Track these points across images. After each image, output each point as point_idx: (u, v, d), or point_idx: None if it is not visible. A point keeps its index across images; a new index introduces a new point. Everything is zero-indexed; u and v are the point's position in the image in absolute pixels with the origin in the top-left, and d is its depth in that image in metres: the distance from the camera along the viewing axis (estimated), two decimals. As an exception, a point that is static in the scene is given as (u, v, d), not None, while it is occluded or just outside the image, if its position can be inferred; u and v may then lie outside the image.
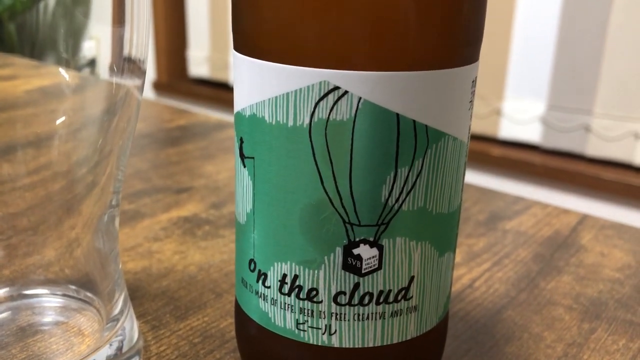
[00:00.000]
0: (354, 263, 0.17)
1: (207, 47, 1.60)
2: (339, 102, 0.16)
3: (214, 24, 1.59)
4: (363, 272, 0.17)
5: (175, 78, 1.64)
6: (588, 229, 0.35)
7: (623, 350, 0.24)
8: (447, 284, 0.20)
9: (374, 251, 0.17)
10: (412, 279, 0.18)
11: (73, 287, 0.23)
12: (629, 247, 0.33)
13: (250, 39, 0.17)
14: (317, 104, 0.16)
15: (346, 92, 0.16)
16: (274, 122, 0.17)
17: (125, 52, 0.23)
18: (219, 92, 1.57)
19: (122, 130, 0.22)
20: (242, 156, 0.18)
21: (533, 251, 0.32)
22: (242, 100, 0.18)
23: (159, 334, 0.24)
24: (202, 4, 1.60)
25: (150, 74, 1.64)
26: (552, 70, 1.15)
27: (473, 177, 1.26)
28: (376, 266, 0.17)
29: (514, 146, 1.23)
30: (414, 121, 0.16)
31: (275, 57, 0.16)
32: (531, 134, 1.20)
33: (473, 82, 0.18)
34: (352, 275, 0.17)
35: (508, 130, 1.22)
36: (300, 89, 0.16)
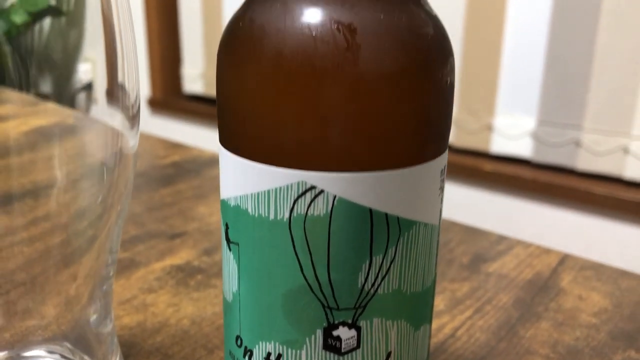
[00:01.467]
0: (333, 343, 0.18)
1: (201, 64, 1.61)
2: (316, 200, 0.17)
3: (207, 41, 1.60)
4: (343, 351, 0.19)
5: (169, 95, 1.65)
6: (568, 270, 0.36)
7: (596, 402, 0.25)
8: (424, 353, 0.21)
9: (353, 332, 0.18)
10: (389, 354, 0.19)
11: (69, 345, 0.24)
12: (607, 289, 0.34)
13: (235, 139, 0.18)
14: (295, 200, 0.17)
15: (322, 190, 0.17)
16: (256, 215, 0.18)
17: (120, 79, 0.23)
18: (213, 108, 1.58)
19: (124, 179, 0.23)
20: (227, 240, 0.20)
21: (514, 295, 0.33)
22: (227, 190, 0.19)
23: (153, 395, 0.25)
24: (196, 21, 1.62)
25: (145, 91, 1.66)
26: (542, 86, 1.17)
27: (465, 192, 1.27)
28: (355, 345, 0.19)
29: (506, 161, 1.24)
30: (386, 214, 0.18)
31: (257, 158, 0.17)
32: (522, 148, 1.22)
33: (442, 170, 0.19)
34: (332, 354, 0.19)
35: (499, 145, 1.24)
36: (281, 187, 0.17)
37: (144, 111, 1.63)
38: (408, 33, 0.17)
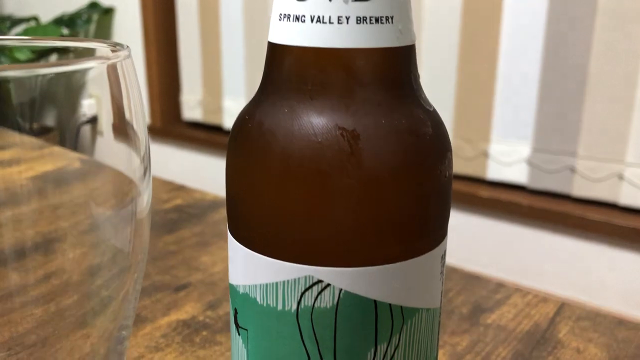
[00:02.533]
0: None
1: (200, 92, 1.62)
2: (323, 293, 0.18)
3: (206, 68, 1.62)
4: None
5: (169, 122, 1.66)
6: (565, 320, 0.37)
7: None
8: None
9: (358, 416, 0.19)
10: None
11: None
12: (603, 340, 0.35)
13: (244, 232, 0.19)
14: (303, 293, 0.18)
15: (328, 284, 0.18)
16: (264, 305, 0.19)
17: (127, 117, 0.22)
18: (212, 135, 1.60)
19: (139, 241, 0.23)
20: (236, 325, 0.20)
21: (513, 349, 0.34)
22: (236, 277, 0.20)
23: None
24: (195, 49, 1.63)
25: (145, 119, 1.66)
26: (536, 113, 1.18)
27: (463, 219, 1.28)
28: None
29: (502, 187, 1.26)
30: (390, 304, 0.18)
31: (266, 252, 0.18)
32: (518, 175, 1.23)
33: (443, 256, 0.20)
34: None
35: (495, 171, 1.25)
36: (288, 280, 0.18)
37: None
38: (408, 135, 0.18)
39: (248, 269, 0.19)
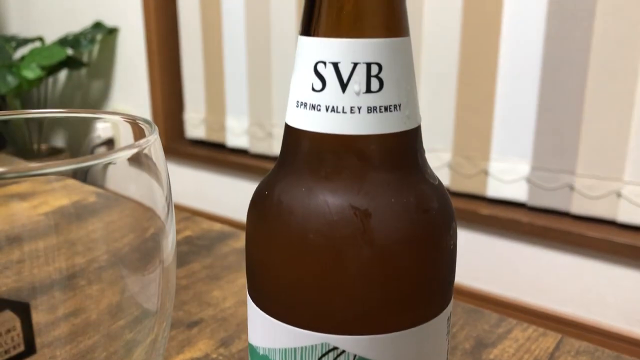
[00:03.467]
0: None
1: (203, 110, 1.64)
2: (338, 359, 0.19)
3: (209, 87, 1.64)
4: None
5: (173, 140, 1.68)
6: (564, 356, 0.38)
7: None
8: None
9: None
10: None
11: None
12: (601, 376, 0.36)
13: (264, 300, 0.20)
14: (319, 359, 0.20)
15: (344, 351, 0.19)
16: (284, 367, 0.20)
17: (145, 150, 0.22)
18: (214, 152, 1.61)
19: (166, 281, 0.23)
20: (257, 382, 0.22)
21: (514, 386, 0.35)
22: (256, 339, 0.21)
23: None
24: (198, 68, 1.65)
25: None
26: (535, 132, 1.20)
27: (464, 236, 1.30)
28: None
29: (502, 204, 1.27)
30: (400, 367, 0.20)
31: (286, 319, 0.20)
32: (518, 192, 1.24)
33: (448, 318, 0.21)
34: None
35: (495, 189, 1.27)
36: (306, 347, 0.20)
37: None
38: (415, 212, 0.19)
39: (267, 333, 0.21)
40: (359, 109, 0.19)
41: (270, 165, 1.31)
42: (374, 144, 0.19)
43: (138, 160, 0.21)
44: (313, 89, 0.19)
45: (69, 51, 1.72)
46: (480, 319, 0.42)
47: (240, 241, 0.55)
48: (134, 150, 0.20)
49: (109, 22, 1.81)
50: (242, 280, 0.48)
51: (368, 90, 0.19)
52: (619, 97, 1.10)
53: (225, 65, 1.60)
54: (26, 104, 1.94)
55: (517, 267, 1.25)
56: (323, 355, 0.19)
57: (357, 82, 0.18)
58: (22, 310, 0.18)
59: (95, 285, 0.22)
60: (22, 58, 1.63)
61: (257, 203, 0.21)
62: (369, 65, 0.18)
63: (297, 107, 0.20)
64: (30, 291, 0.22)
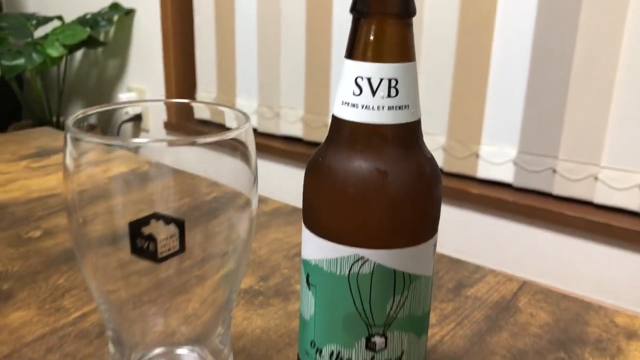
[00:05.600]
0: (371, 345, 0.32)
1: (214, 90, 1.74)
2: (364, 264, 0.31)
3: (221, 69, 1.73)
4: (377, 350, 0.32)
5: (184, 119, 1.78)
6: (524, 294, 0.50)
7: (532, 385, 0.39)
8: (423, 353, 0.34)
9: (382, 339, 0.32)
10: (402, 352, 0.33)
11: (204, 348, 0.36)
12: (551, 309, 0.48)
13: (316, 227, 0.32)
14: (352, 264, 0.31)
15: (368, 259, 0.30)
16: (328, 271, 0.31)
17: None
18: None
19: (252, 226, 0.35)
20: (308, 283, 0.33)
21: (484, 313, 0.47)
22: (308, 253, 0.32)
23: (246, 379, 0.38)
24: (210, 50, 1.75)
25: (163, 115, 1.78)
26: (522, 120, 1.31)
27: (455, 212, 1.41)
28: (384, 347, 0.32)
29: (490, 185, 1.39)
30: (403, 272, 0.31)
31: (331, 239, 0.31)
32: (505, 174, 1.36)
33: (434, 244, 0.33)
34: (370, 351, 0.32)
35: (485, 170, 1.38)
36: (344, 256, 0.31)
37: (162, 134, 1.76)
38: (416, 173, 0.30)
39: (317, 249, 0.32)
40: (383, 107, 0.30)
41: (277, 144, 1.42)
42: (391, 130, 0.30)
43: (232, 144, 0.31)
44: (353, 94, 0.30)
45: (87, 30, 1.81)
46: (461, 267, 0.54)
47: (267, 205, 0.66)
48: (235, 133, 0.31)
49: (126, 4, 1.89)
50: (272, 235, 0.59)
51: (389, 95, 0.29)
52: (599, 91, 1.21)
53: (236, 47, 1.70)
54: (46, 81, 2.04)
55: (502, 242, 1.37)
56: (354, 262, 0.31)
57: (382, 91, 0.29)
58: (180, 224, 0.29)
59: (206, 222, 0.33)
60: (46, 36, 1.73)
61: (314, 166, 0.32)
62: (389, 80, 0.29)
63: (342, 105, 0.31)
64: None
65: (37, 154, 0.83)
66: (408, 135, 0.31)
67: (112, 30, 1.95)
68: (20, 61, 1.59)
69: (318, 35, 1.56)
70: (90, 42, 1.84)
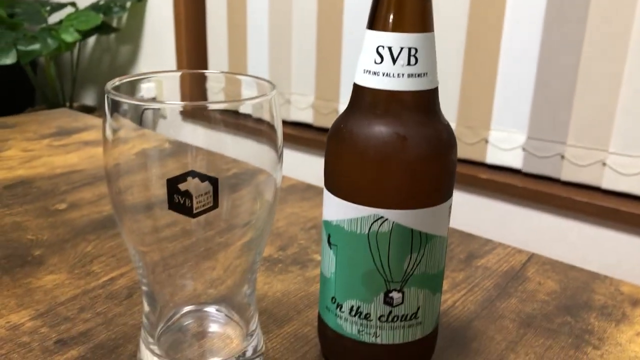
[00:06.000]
0: (389, 300, 0.34)
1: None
2: (383, 223, 0.33)
3: (232, 55, 1.75)
4: (394, 305, 0.34)
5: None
6: (533, 265, 0.52)
7: (544, 347, 0.41)
8: (437, 309, 0.36)
9: (400, 294, 0.34)
10: (418, 308, 0.35)
11: (230, 308, 0.38)
12: (558, 277, 0.50)
13: (338, 189, 0.34)
14: (372, 224, 0.33)
15: (387, 219, 0.32)
16: (349, 230, 0.33)
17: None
18: (233, 118, 1.74)
19: (276, 198, 0.37)
20: (329, 243, 0.35)
21: (494, 282, 0.49)
22: (330, 214, 0.34)
23: (269, 336, 0.40)
24: (221, 37, 1.77)
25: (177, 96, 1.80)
26: (531, 106, 1.32)
27: (464, 197, 1.43)
28: (401, 302, 0.34)
29: (499, 170, 1.40)
30: (420, 231, 0.33)
31: (353, 200, 0.33)
32: (514, 160, 1.37)
33: (450, 207, 0.34)
34: (388, 306, 0.34)
35: (494, 156, 1.39)
36: (364, 216, 0.33)
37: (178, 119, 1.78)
38: (434, 139, 0.32)
39: (339, 210, 0.34)
40: (403, 75, 0.31)
41: (288, 130, 1.45)
42: (410, 97, 0.32)
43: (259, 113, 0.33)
44: (375, 62, 0.32)
45: (100, 16, 1.83)
46: (472, 240, 0.56)
47: (284, 182, 0.68)
48: (259, 100, 0.33)
49: (138, -10, 1.91)
50: (290, 209, 0.61)
51: (408, 64, 0.31)
52: (607, 78, 1.22)
53: (248, 35, 1.72)
54: (59, 67, 2.06)
55: (511, 226, 1.39)
56: (374, 222, 0.33)
57: (403, 59, 0.31)
58: (214, 181, 0.31)
59: (233, 190, 0.35)
60: (60, 22, 1.75)
61: (336, 131, 0.34)
62: (409, 49, 0.31)
63: (364, 73, 0.32)
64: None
65: (57, 133, 0.85)
66: (426, 102, 0.33)
67: (124, 16, 1.97)
68: (36, 46, 1.62)
69: (329, 23, 1.58)
70: (103, 28, 1.87)
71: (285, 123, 1.71)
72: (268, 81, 0.35)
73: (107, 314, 0.42)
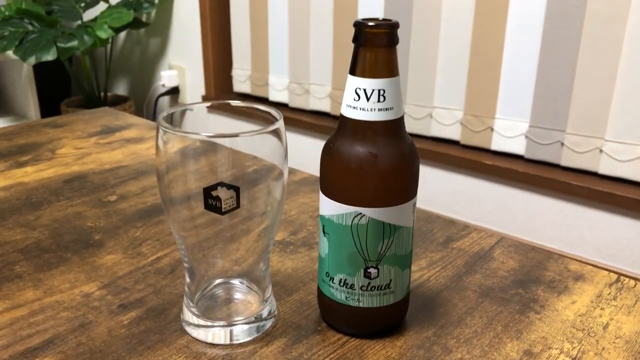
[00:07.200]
0: (368, 275, 0.45)
1: (248, 68, 1.87)
2: (362, 218, 0.44)
3: (254, 48, 1.86)
4: (372, 278, 0.46)
5: (221, 93, 1.92)
6: (500, 247, 0.62)
7: (495, 312, 0.52)
8: (406, 281, 0.48)
9: (376, 270, 0.45)
10: (390, 280, 0.46)
11: (249, 280, 0.50)
12: (519, 257, 0.60)
13: (330, 192, 0.45)
14: (353, 218, 0.44)
15: (364, 214, 0.44)
16: (337, 223, 0.45)
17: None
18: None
19: (277, 199, 0.49)
20: (324, 232, 0.47)
21: (464, 260, 0.60)
22: (324, 210, 0.46)
23: (280, 302, 0.52)
24: (245, 31, 1.87)
25: (202, 90, 1.93)
26: (534, 96, 1.41)
27: (469, 182, 1.53)
28: (377, 276, 0.46)
29: (503, 156, 1.49)
30: (390, 223, 0.44)
31: (338, 200, 0.44)
32: (517, 147, 1.46)
33: (414, 204, 0.46)
34: (367, 279, 0.46)
35: (498, 143, 1.49)
36: (347, 212, 0.44)
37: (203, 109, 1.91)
38: (399, 154, 0.43)
39: (329, 207, 0.45)
40: (374, 109, 0.42)
41: (307, 119, 1.58)
42: (380, 125, 0.43)
43: (275, 132, 0.44)
44: (354, 100, 0.43)
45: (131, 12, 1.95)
46: (452, 226, 0.67)
47: (296, 176, 0.80)
48: (274, 127, 0.44)
49: (166, -14, 2.02)
50: (301, 199, 0.73)
51: (378, 101, 0.42)
52: (604, 70, 1.30)
53: (269, 28, 1.82)
54: (94, 60, 2.20)
55: (513, 209, 1.49)
56: (355, 217, 0.44)
57: (374, 97, 0.42)
58: (236, 189, 0.42)
59: (251, 189, 0.47)
60: (95, 19, 1.88)
61: (327, 149, 0.45)
62: (379, 90, 0.42)
63: (346, 107, 0.44)
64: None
65: (102, 132, 0.98)
66: (393, 128, 0.44)
67: (153, 12, 2.09)
68: (74, 43, 1.75)
69: (345, 17, 1.67)
70: (134, 24, 1.99)
71: (304, 112, 1.82)
72: (277, 111, 0.46)
73: (155, 285, 0.55)
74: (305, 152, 1.56)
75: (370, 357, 0.46)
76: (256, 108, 0.49)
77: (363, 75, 0.42)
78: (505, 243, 0.63)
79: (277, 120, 0.45)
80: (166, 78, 1.94)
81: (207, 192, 0.42)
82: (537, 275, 0.58)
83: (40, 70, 2.15)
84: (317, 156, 0.47)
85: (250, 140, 0.44)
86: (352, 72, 0.43)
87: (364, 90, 0.42)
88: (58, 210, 0.69)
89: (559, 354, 0.46)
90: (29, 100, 2.10)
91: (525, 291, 0.55)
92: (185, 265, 0.48)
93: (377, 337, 0.48)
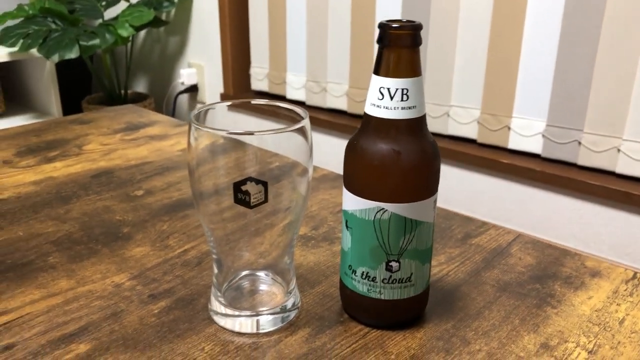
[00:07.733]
0: (389, 268, 0.47)
1: (266, 66, 1.89)
2: (384, 213, 0.46)
3: (272, 46, 1.88)
4: (393, 271, 0.47)
5: (239, 91, 1.94)
6: (517, 243, 0.64)
7: (513, 306, 0.53)
8: (427, 275, 0.49)
9: (397, 264, 0.47)
10: (411, 274, 0.48)
11: (274, 272, 0.52)
12: (535, 254, 0.62)
13: (353, 188, 0.47)
14: (376, 213, 0.46)
15: (386, 210, 0.45)
16: (360, 218, 0.47)
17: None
18: (275, 103, 1.88)
19: (301, 195, 0.50)
20: (347, 226, 0.48)
21: (482, 257, 0.61)
22: (347, 205, 0.48)
23: (304, 294, 0.54)
24: (263, 29, 1.90)
25: (220, 88, 1.95)
26: (551, 95, 1.41)
27: (486, 180, 1.53)
28: (398, 269, 0.47)
29: (520, 155, 1.50)
30: (411, 219, 0.46)
31: (363, 196, 0.46)
32: (534, 145, 1.47)
33: (435, 200, 0.47)
34: (389, 272, 0.47)
35: (515, 142, 1.49)
36: (371, 207, 0.46)
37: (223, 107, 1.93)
38: (421, 151, 0.45)
39: (353, 203, 0.47)
40: (398, 108, 0.44)
41: (324, 117, 1.60)
42: (403, 123, 0.45)
43: (301, 130, 0.46)
44: (378, 99, 0.44)
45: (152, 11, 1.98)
46: (470, 223, 0.68)
47: (317, 173, 0.81)
48: (300, 125, 0.46)
49: (185, -15, 2.05)
50: (321, 196, 0.74)
51: (402, 100, 0.44)
52: (622, 69, 1.30)
53: (287, 27, 1.84)
54: (115, 58, 2.23)
55: (530, 207, 1.49)
56: (378, 212, 0.46)
57: (398, 96, 0.44)
58: (264, 184, 0.44)
59: (276, 184, 0.48)
60: (116, 18, 1.91)
61: (351, 146, 0.47)
62: (402, 89, 0.44)
63: (370, 105, 0.45)
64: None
65: (127, 129, 1.00)
66: (415, 126, 0.45)
67: (173, 10, 2.12)
68: (96, 41, 1.78)
69: (362, 16, 1.69)
70: (154, 22, 2.02)
71: (321, 110, 1.84)
72: (303, 110, 0.48)
73: (183, 276, 0.57)
74: (323, 150, 1.57)
75: (391, 347, 0.47)
76: (281, 106, 0.51)
77: (387, 75, 0.44)
78: (522, 240, 0.65)
79: (303, 118, 0.47)
80: (185, 76, 1.97)
81: (237, 186, 0.44)
82: (554, 271, 0.59)
83: (62, 68, 2.19)
84: (335, 154, 0.49)
85: (277, 138, 0.46)
86: (377, 72, 0.45)
87: (388, 89, 0.44)
88: (87, 204, 0.72)
89: (575, 347, 0.48)
90: (51, 97, 2.14)
91: (542, 286, 0.56)
92: (214, 256, 0.50)
93: (398, 329, 0.49)
